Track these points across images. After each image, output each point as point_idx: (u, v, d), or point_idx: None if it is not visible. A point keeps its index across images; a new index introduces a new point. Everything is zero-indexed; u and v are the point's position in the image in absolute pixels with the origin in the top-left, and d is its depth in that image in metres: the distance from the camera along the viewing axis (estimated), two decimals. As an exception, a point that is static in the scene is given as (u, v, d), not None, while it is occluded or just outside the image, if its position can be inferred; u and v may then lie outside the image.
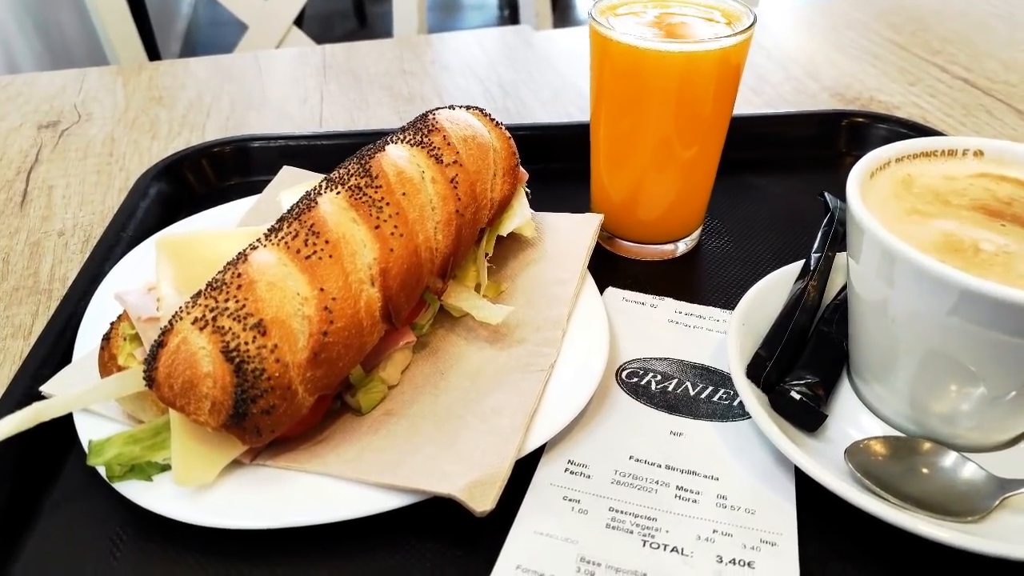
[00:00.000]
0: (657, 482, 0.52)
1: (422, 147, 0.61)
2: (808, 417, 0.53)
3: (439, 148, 0.61)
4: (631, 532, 0.48)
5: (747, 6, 0.67)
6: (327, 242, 0.51)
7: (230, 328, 0.46)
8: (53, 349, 0.60)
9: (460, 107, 0.69)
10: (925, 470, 0.50)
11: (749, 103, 1.08)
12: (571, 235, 0.70)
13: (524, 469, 0.52)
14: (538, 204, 0.73)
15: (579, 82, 1.16)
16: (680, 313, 0.67)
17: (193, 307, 0.48)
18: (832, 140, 0.93)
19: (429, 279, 0.59)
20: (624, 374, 0.60)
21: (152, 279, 0.56)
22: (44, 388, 0.55)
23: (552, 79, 1.17)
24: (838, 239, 0.67)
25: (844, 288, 0.62)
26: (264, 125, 1.05)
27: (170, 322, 0.48)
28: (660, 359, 0.62)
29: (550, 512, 0.50)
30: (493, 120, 0.70)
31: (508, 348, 0.60)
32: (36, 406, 0.48)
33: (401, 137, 0.62)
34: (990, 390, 0.48)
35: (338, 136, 0.91)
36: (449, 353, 0.61)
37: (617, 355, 0.62)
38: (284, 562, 0.48)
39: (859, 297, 0.53)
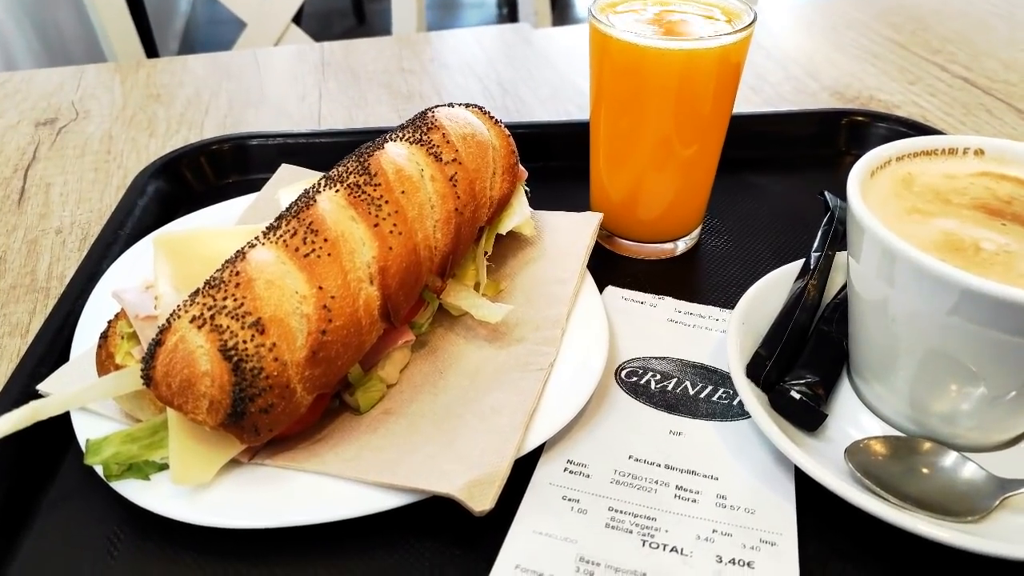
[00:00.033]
0: (656, 482, 0.52)
1: (421, 145, 0.61)
2: (808, 416, 0.53)
3: (438, 146, 0.61)
4: (630, 532, 0.48)
5: (747, 4, 0.67)
6: (326, 240, 0.51)
7: (228, 326, 0.46)
8: (50, 347, 0.60)
9: (459, 105, 0.69)
10: (925, 470, 0.50)
11: (749, 102, 1.08)
12: (570, 234, 0.70)
13: (523, 468, 0.51)
14: (537, 203, 0.73)
15: (578, 80, 1.16)
16: (680, 312, 0.67)
17: (191, 305, 0.48)
18: (832, 139, 0.93)
19: (428, 277, 0.58)
20: (623, 373, 0.60)
21: (150, 277, 0.56)
22: (41, 386, 0.55)
23: (551, 77, 1.17)
24: (838, 238, 0.66)
25: (844, 287, 0.62)
26: (262, 123, 1.05)
27: (168, 320, 0.48)
28: (660, 358, 0.62)
29: (549, 511, 0.49)
30: (492, 118, 0.69)
31: (507, 347, 0.60)
32: (33, 404, 0.48)
33: (400, 135, 0.62)
34: (990, 390, 0.48)
35: (337, 134, 0.91)
36: (448, 352, 0.61)
37: (616, 354, 0.62)
38: (282, 561, 0.48)
39: (859, 296, 0.53)
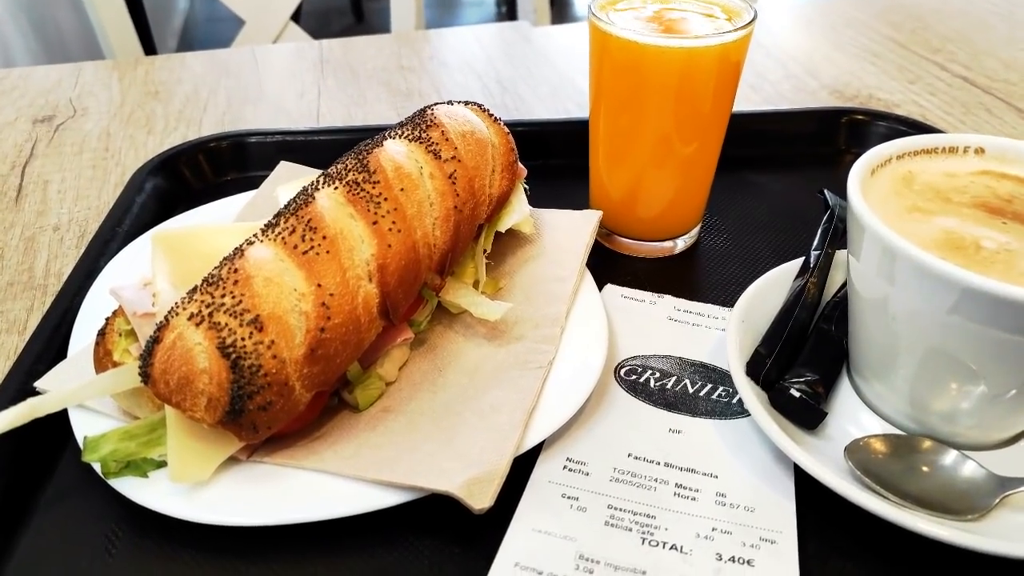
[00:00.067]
0: (656, 480, 0.52)
1: (420, 143, 0.61)
2: (808, 415, 0.53)
3: (437, 144, 0.61)
4: (630, 530, 0.48)
5: (747, 2, 0.67)
6: (324, 238, 0.51)
7: (226, 324, 0.46)
8: (48, 345, 0.60)
9: (458, 103, 0.69)
10: (925, 468, 0.50)
11: (748, 100, 1.08)
12: (570, 232, 0.70)
13: (522, 466, 0.51)
14: (537, 200, 0.73)
15: (577, 78, 1.15)
16: (679, 310, 0.67)
17: (189, 303, 0.48)
18: (832, 137, 0.93)
19: (427, 275, 0.58)
20: (623, 371, 0.60)
21: (148, 274, 0.56)
22: (39, 384, 0.55)
23: (550, 75, 1.17)
24: (838, 236, 0.66)
25: (844, 286, 0.62)
26: (261, 120, 1.04)
27: (166, 318, 0.48)
28: (659, 356, 0.62)
29: (548, 509, 0.49)
30: (492, 116, 0.69)
31: (506, 345, 0.60)
32: (31, 402, 0.48)
33: (399, 132, 0.62)
34: (990, 388, 0.48)
35: (335, 132, 0.90)
36: (447, 350, 0.61)
37: (616, 352, 0.62)
38: (281, 559, 0.48)
39: (859, 295, 0.52)
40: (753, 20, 0.64)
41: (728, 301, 0.66)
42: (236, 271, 0.48)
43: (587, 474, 0.52)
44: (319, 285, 0.49)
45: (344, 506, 0.47)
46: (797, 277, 0.63)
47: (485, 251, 0.66)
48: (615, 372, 0.60)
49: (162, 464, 0.49)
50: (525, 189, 0.72)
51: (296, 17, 1.59)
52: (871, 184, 0.52)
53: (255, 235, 0.52)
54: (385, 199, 0.55)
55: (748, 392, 0.53)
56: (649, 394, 0.58)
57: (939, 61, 1.20)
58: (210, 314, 0.46)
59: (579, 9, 4.21)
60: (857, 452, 0.50)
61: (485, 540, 0.48)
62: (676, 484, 0.51)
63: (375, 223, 0.53)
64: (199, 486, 0.48)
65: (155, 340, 0.47)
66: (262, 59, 1.23)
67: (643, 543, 0.47)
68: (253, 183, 0.78)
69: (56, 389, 0.53)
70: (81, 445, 0.49)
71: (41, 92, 1.11)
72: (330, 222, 0.52)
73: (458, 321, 0.63)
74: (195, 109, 1.07)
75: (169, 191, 0.83)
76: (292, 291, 0.48)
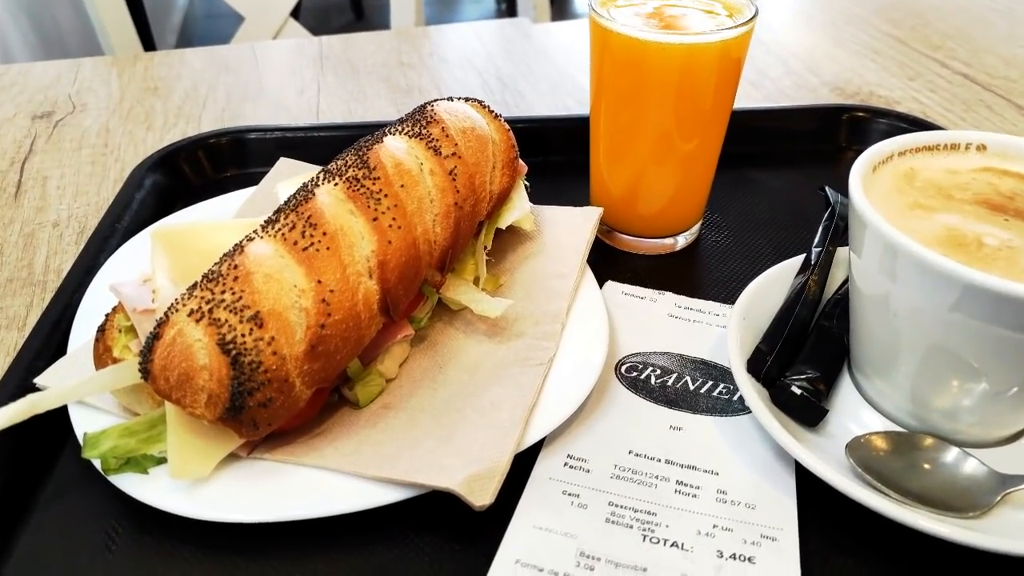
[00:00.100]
0: (657, 476, 0.52)
1: (420, 139, 0.60)
2: (809, 412, 0.53)
3: (438, 140, 0.61)
4: (631, 527, 0.48)
5: (748, -2, 0.67)
6: (324, 234, 0.51)
7: (226, 320, 0.46)
8: (47, 341, 0.60)
9: (459, 99, 0.68)
10: (926, 465, 0.50)
11: (749, 97, 1.08)
12: (570, 228, 0.69)
13: (523, 463, 0.51)
14: (537, 197, 0.73)
15: (577, 75, 1.15)
16: (680, 307, 0.67)
17: (189, 299, 0.47)
18: (832, 134, 0.93)
19: (427, 272, 0.58)
20: (623, 368, 0.60)
21: (148, 270, 0.56)
22: (38, 380, 0.55)
23: (550, 72, 1.17)
24: (839, 233, 0.66)
25: (845, 283, 0.62)
26: (260, 116, 1.04)
27: (166, 314, 0.47)
28: (660, 353, 0.61)
29: (549, 506, 0.49)
30: (492, 112, 0.69)
31: (507, 342, 0.59)
32: (30, 398, 0.48)
33: (399, 128, 0.62)
34: (992, 385, 0.48)
35: (335, 128, 0.90)
36: (447, 347, 0.61)
37: (616, 349, 0.62)
38: (281, 556, 0.48)
39: (861, 292, 0.52)
40: (754, 17, 0.64)
41: (729, 298, 0.66)
42: (236, 267, 0.48)
43: (588, 471, 0.52)
44: (319, 281, 0.49)
45: (344, 503, 0.47)
46: (798, 274, 0.63)
47: (486, 248, 0.66)
48: (616, 369, 0.60)
49: (162, 461, 0.49)
50: (526, 186, 0.71)
51: (296, 13, 1.59)
52: (873, 181, 0.52)
53: (255, 231, 0.52)
54: (385, 195, 0.55)
55: (749, 389, 0.53)
56: (650, 391, 0.58)
57: (939, 58, 1.20)
58: (210, 310, 0.46)
59: (579, 5, 4.20)
60: (858, 449, 0.50)
61: (486, 537, 0.48)
62: (677, 481, 0.51)
63: (375, 219, 0.53)
64: (199, 483, 0.48)
65: (155, 336, 0.47)
66: (262, 55, 1.23)
67: (644, 540, 0.47)
68: (253, 179, 0.78)
69: (56, 385, 0.53)
70: (81, 441, 0.49)
71: (40, 88, 1.11)
72: (330, 218, 0.52)
73: (458, 318, 0.63)
74: (194, 105, 1.07)
75: (169, 187, 0.83)
76: (292, 287, 0.48)
